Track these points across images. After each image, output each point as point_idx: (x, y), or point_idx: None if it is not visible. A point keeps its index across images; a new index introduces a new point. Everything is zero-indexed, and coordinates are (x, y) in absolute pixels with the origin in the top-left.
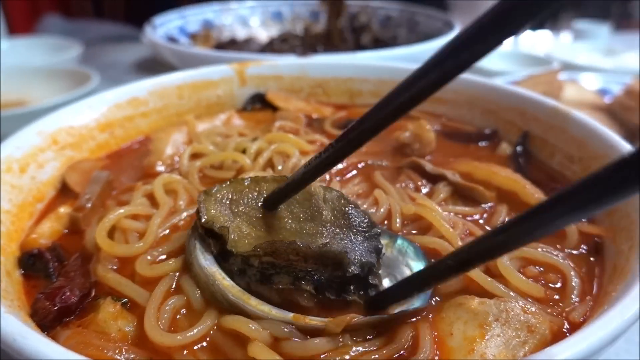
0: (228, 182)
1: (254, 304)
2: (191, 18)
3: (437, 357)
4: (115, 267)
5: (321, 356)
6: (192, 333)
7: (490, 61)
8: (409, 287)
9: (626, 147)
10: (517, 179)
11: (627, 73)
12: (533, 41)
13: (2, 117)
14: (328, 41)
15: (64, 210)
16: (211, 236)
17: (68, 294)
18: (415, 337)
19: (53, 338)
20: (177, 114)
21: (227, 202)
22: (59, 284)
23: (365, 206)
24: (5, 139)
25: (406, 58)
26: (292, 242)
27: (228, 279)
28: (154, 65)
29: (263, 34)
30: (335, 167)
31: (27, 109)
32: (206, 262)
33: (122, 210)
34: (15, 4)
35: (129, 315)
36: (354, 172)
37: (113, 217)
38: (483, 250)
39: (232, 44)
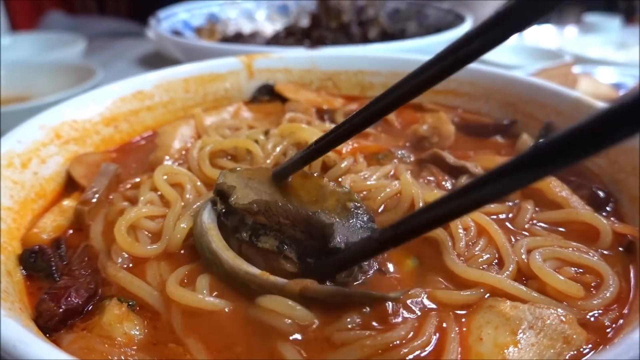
0: (249, 168)
1: (230, 255)
2: (196, 12)
3: None
4: (127, 266)
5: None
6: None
7: (501, 55)
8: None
9: None
10: None
11: None
12: (539, 35)
13: (4, 113)
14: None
15: (68, 203)
16: (221, 198)
17: (74, 294)
18: (442, 338)
19: (56, 342)
20: (184, 108)
21: (244, 178)
22: (64, 283)
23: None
24: (6, 134)
25: (417, 50)
26: (285, 203)
27: (219, 235)
28: (157, 60)
29: (269, 28)
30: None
31: (30, 104)
32: (208, 219)
33: (144, 210)
34: (18, 1)
35: (135, 317)
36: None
37: (134, 215)
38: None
39: (238, 38)
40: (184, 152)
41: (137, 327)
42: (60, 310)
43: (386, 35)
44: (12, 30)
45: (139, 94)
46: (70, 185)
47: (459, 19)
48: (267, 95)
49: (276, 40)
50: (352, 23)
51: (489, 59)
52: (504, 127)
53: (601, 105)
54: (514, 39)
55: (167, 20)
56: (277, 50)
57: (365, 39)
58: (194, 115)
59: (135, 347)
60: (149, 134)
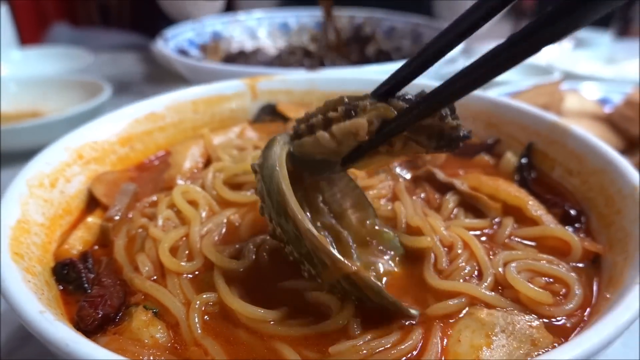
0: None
1: (293, 201)
2: (201, 30)
3: None
4: (154, 278)
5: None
6: None
7: None
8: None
9: (623, 161)
10: (521, 195)
11: (627, 82)
12: None
13: (23, 128)
14: (335, 49)
15: (92, 220)
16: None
17: (109, 302)
18: (425, 340)
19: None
20: (193, 128)
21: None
22: (97, 292)
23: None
24: (34, 155)
25: None
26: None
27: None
28: (162, 74)
29: (270, 45)
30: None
31: (49, 119)
32: (281, 153)
33: (181, 231)
34: (23, 14)
35: (159, 323)
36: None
37: (174, 235)
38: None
39: (241, 56)
40: (195, 171)
41: (161, 331)
42: (99, 315)
43: (382, 53)
44: (19, 43)
45: (152, 116)
46: (91, 202)
47: None
48: (270, 114)
49: (279, 59)
50: (350, 41)
51: None
52: (489, 146)
53: (576, 129)
54: None
55: (173, 40)
56: (279, 72)
57: (362, 57)
58: (203, 136)
59: (161, 349)
60: (162, 153)
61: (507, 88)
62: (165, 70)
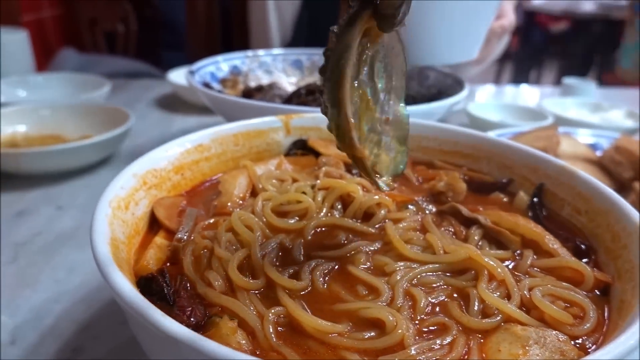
0: None
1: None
2: (221, 65)
3: None
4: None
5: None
6: None
7: (488, 113)
8: None
9: (625, 203)
10: (539, 230)
11: (614, 130)
12: (521, 95)
13: (52, 152)
14: None
15: (161, 240)
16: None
17: (196, 312)
18: (468, 350)
19: None
20: (233, 159)
21: None
22: (182, 303)
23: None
24: (109, 182)
25: (423, 113)
26: None
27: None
28: (174, 101)
29: (284, 80)
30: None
31: (92, 141)
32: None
33: (240, 254)
34: (31, 38)
35: (240, 331)
36: (411, 206)
37: (240, 256)
38: None
39: (259, 90)
40: (240, 201)
41: (244, 339)
42: (193, 322)
43: None
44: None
45: (200, 147)
46: (153, 223)
47: (457, 83)
48: (301, 148)
49: (298, 97)
50: None
51: (480, 115)
52: (503, 185)
53: (582, 173)
54: (496, 97)
55: (198, 73)
56: (309, 110)
57: None
58: (246, 166)
59: (247, 353)
60: (207, 179)
61: (508, 130)
62: (177, 98)
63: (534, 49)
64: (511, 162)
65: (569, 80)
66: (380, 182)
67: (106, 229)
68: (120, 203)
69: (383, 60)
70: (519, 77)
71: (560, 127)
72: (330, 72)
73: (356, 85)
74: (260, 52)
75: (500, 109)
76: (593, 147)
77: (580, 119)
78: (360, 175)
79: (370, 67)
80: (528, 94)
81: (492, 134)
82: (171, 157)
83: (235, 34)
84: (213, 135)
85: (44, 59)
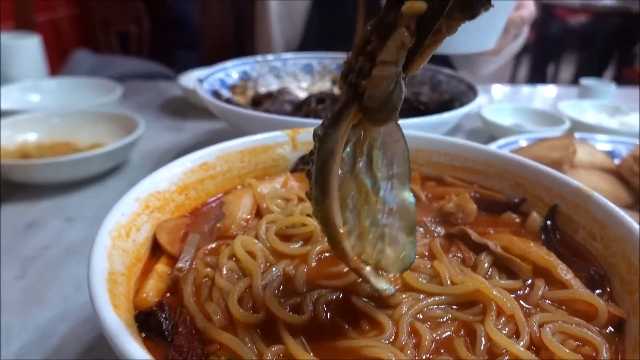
0: None
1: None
2: (231, 71)
3: None
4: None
5: None
6: None
7: (503, 116)
8: None
9: None
10: (551, 258)
11: (633, 135)
12: (537, 96)
13: (64, 162)
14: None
15: (162, 269)
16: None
17: (193, 351)
18: None
19: None
20: (239, 176)
21: None
22: (180, 342)
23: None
24: (110, 208)
25: (435, 124)
26: None
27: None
28: (185, 105)
29: (294, 85)
30: None
31: (89, 154)
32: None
33: (242, 285)
34: (44, 40)
35: None
36: (420, 229)
37: (241, 287)
38: None
39: (269, 97)
40: (244, 223)
41: None
42: None
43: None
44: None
45: (204, 165)
46: (155, 248)
47: (469, 89)
48: (307, 164)
49: (308, 106)
50: None
51: (494, 119)
52: (515, 205)
53: (598, 196)
54: (512, 97)
55: (207, 81)
56: (316, 123)
57: None
58: (251, 185)
59: None
60: (211, 199)
61: (524, 136)
62: (188, 102)
63: (552, 43)
64: (524, 180)
65: (586, 81)
66: (384, 285)
67: (104, 263)
68: (121, 231)
69: (382, 147)
70: (536, 72)
71: (576, 133)
72: (314, 182)
73: (353, 175)
74: (270, 56)
75: (515, 112)
76: (611, 154)
77: (598, 123)
78: None
79: (368, 156)
80: (544, 94)
81: (505, 141)
82: (174, 177)
83: (248, 34)
84: (218, 153)
85: (58, 60)
